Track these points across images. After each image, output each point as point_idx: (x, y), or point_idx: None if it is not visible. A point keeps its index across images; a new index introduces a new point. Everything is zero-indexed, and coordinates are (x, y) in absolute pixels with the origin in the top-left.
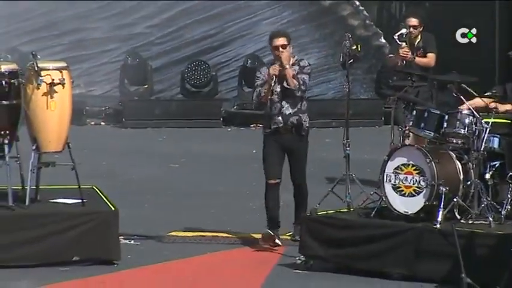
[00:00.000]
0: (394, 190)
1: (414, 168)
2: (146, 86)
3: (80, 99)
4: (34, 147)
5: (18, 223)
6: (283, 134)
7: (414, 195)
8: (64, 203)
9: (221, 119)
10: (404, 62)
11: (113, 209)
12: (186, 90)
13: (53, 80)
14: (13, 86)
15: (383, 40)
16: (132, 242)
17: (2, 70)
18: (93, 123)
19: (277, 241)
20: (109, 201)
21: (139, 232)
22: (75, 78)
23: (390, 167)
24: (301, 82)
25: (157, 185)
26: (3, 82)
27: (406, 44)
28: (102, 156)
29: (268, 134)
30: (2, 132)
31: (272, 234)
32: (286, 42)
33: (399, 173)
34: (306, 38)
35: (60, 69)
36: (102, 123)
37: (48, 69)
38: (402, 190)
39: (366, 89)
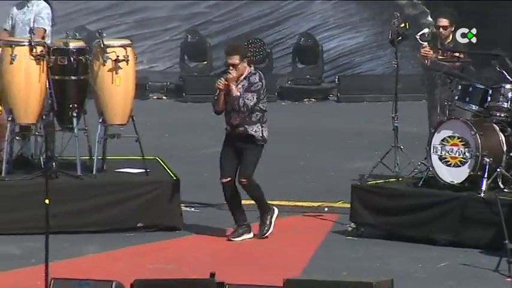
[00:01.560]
0: (440, 161)
1: (460, 140)
2: (205, 62)
3: (143, 75)
4: (101, 120)
5: (86, 191)
6: (236, 140)
7: (460, 166)
8: (129, 173)
9: (276, 94)
10: (427, 61)
11: (175, 178)
12: None
13: (118, 56)
14: (81, 62)
15: (430, 19)
16: (193, 209)
17: (71, 47)
18: (155, 97)
19: (245, 236)
20: (171, 171)
21: (199, 200)
22: (139, 55)
23: (437, 139)
24: (241, 104)
25: (215, 155)
26: (72, 59)
27: (431, 43)
28: (164, 128)
29: (226, 136)
30: (71, 106)
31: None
32: (237, 61)
33: (445, 145)
34: (356, 17)
35: (124, 47)
36: (164, 97)
37: (114, 47)
38: (448, 161)
39: (414, 65)
